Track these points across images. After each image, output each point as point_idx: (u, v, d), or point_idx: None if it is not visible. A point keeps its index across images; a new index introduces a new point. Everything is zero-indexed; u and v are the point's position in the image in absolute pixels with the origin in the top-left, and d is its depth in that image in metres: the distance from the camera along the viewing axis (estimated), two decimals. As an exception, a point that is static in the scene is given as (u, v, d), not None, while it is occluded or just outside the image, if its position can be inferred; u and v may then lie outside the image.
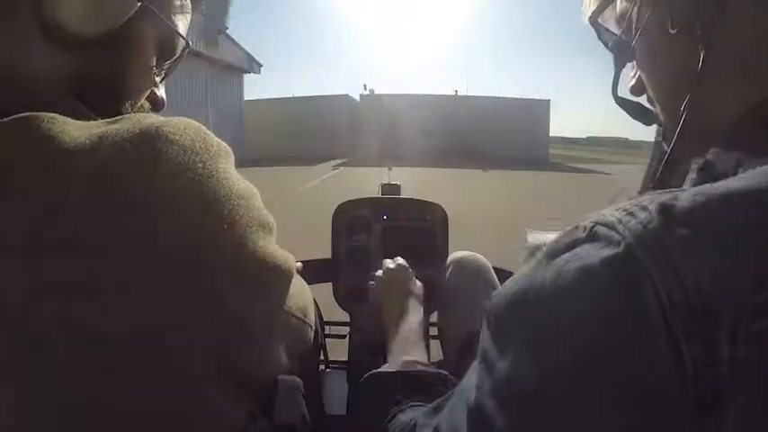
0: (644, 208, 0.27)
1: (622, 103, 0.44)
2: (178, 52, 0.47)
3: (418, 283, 0.85)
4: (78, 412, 0.32)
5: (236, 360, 0.37)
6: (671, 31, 0.35)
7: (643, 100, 0.44)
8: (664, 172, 0.39)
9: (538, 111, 22.88)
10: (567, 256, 0.28)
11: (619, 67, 0.42)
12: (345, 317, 1.21)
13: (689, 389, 0.24)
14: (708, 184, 0.27)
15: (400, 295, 0.80)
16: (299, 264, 0.46)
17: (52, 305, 0.30)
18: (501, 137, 20.69)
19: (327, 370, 1.23)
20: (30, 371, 0.31)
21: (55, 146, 0.31)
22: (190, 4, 0.46)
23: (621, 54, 0.41)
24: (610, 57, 0.43)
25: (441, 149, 17.47)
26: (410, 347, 0.69)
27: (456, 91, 27.85)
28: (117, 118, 0.35)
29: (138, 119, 0.35)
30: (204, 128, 0.37)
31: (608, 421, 0.25)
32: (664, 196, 0.27)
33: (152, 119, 0.35)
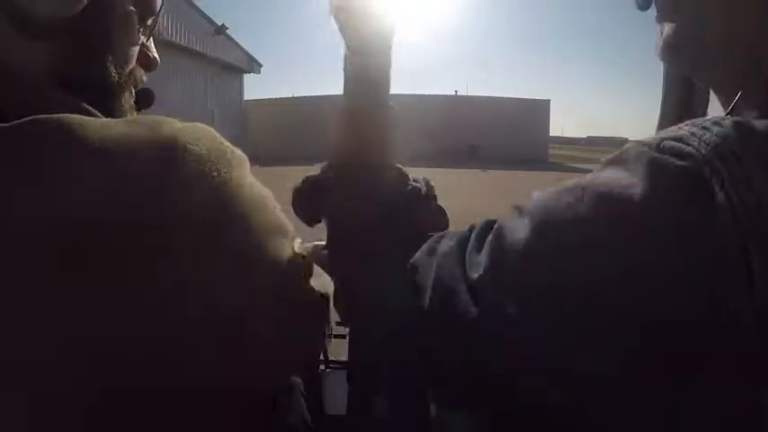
0: (717, 123, 0.26)
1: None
2: (158, 6, 0.46)
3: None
4: (83, 426, 0.32)
5: (240, 366, 0.37)
6: None
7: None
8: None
9: (538, 111, 22.86)
10: (636, 164, 0.27)
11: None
12: (345, 317, 1.21)
13: (754, 304, 0.23)
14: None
15: None
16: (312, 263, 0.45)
17: (61, 317, 0.30)
18: (501, 137, 20.68)
19: (327, 370, 1.23)
20: (37, 384, 0.30)
21: (62, 151, 0.31)
22: None
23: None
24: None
25: (440, 149, 17.47)
26: None
27: (456, 91, 27.91)
28: (131, 119, 0.34)
29: (153, 125, 0.34)
30: (220, 136, 0.37)
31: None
32: (732, 119, 0.26)
33: (168, 125, 0.34)
